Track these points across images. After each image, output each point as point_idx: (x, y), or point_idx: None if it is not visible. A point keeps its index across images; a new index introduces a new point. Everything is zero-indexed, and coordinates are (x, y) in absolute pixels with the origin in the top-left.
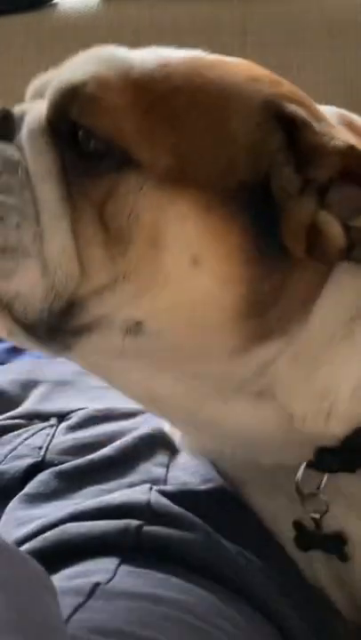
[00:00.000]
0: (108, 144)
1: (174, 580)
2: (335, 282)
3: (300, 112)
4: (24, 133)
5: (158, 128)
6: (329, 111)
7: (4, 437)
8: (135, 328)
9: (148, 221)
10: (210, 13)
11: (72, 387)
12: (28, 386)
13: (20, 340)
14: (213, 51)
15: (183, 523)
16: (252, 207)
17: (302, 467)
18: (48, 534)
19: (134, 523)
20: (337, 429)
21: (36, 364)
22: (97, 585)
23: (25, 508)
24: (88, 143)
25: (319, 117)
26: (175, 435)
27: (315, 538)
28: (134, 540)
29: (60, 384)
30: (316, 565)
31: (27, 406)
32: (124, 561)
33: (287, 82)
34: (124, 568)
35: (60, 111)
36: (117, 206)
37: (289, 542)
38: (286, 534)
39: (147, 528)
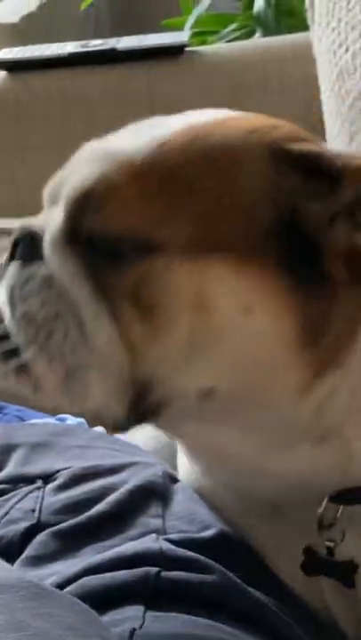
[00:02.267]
0: (128, 241)
1: (203, 620)
2: None
3: (308, 146)
4: (46, 247)
5: (172, 206)
6: None
7: None
8: (209, 392)
9: (188, 293)
10: (117, 83)
11: (51, 448)
12: (6, 450)
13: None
14: (123, 119)
15: (199, 566)
16: (284, 246)
17: (325, 501)
18: (68, 589)
19: (153, 570)
20: None
21: (9, 428)
22: (133, 630)
23: (31, 570)
24: (108, 243)
25: (324, 147)
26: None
27: (325, 565)
28: (155, 587)
29: (39, 446)
30: (328, 594)
31: (9, 470)
32: (148, 607)
33: (284, 122)
34: (151, 614)
35: (75, 219)
36: (153, 290)
37: (292, 574)
38: (289, 564)
39: (165, 573)
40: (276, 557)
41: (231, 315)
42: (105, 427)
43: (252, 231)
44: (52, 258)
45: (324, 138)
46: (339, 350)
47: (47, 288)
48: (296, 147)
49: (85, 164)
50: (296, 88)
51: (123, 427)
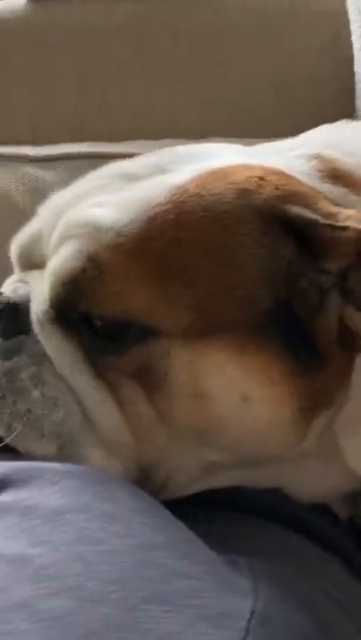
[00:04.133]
0: (126, 325)
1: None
2: None
3: (301, 212)
4: (35, 327)
5: (170, 289)
6: (308, 155)
7: None
8: (210, 465)
9: (186, 379)
10: (140, 13)
11: None
12: None
13: None
14: (145, 50)
15: None
16: (281, 328)
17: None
18: None
19: None
20: None
21: None
22: None
23: None
24: (104, 325)
25: (317, 200)
26: None
27: (355, 535)
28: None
29: None
30: None
31: None
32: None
33: (268, 170)
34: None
35: (67, 303)
36: (153, 374)
37: None
38: None
39: None
40: None
41: (229, 403)
42: None
43: (253, 312)
44: (44, 339)
45: (352, 71)
46: (331, 399)
47: (37, 366)
48: (290, 211)
49: (66, 239)
50: (324, 21)
51: None
